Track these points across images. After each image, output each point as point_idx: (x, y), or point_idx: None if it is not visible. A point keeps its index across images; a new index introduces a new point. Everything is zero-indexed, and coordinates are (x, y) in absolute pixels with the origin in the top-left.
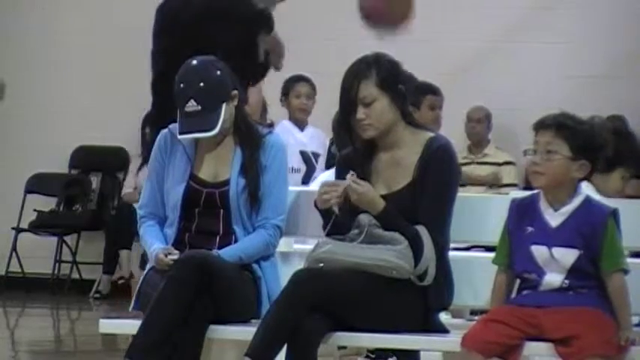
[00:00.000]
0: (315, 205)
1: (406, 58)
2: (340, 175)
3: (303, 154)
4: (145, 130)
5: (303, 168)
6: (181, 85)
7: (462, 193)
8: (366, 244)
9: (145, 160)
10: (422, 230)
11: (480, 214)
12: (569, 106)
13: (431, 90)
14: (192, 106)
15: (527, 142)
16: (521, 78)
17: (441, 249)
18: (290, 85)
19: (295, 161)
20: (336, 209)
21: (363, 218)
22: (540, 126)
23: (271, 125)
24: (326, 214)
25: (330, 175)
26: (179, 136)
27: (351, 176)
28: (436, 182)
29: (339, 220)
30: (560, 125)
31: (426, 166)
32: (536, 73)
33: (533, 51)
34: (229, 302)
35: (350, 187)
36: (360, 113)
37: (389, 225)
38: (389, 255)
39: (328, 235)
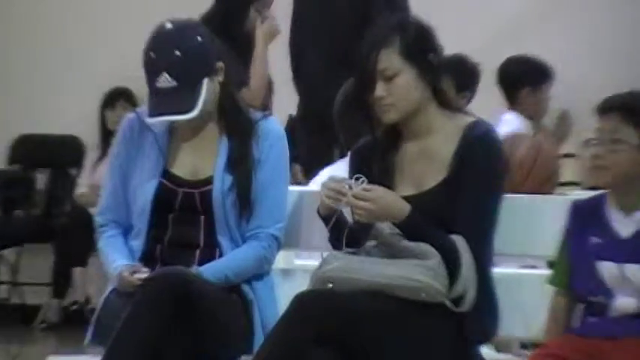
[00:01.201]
0: (318, 213)
1: None
2: (354, 172)
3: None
4: (105, 112)
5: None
6: (152, 55)
7: (510, 194)
8: (387, 259)
9: (106, 152)
10: (459, 242)
11: (532, 220)
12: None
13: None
14: (165, 81)
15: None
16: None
17: (484, 265)
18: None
19: None
20: (348, 217)
21: (383, 225)
22: (603, 109)
23: (266, 108)
24: (333, 223)
25: (333, 170)
26: (148, 120)
27: (355, 183)
28: (478, 180)
29: (351, 229)
30: (628, 108)
31: (465, 160)
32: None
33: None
34: (213, 333)
35: (353, 198)
36: (380, 90)
37: (416, 235)
38: (416, 272)
39: (337, 248)
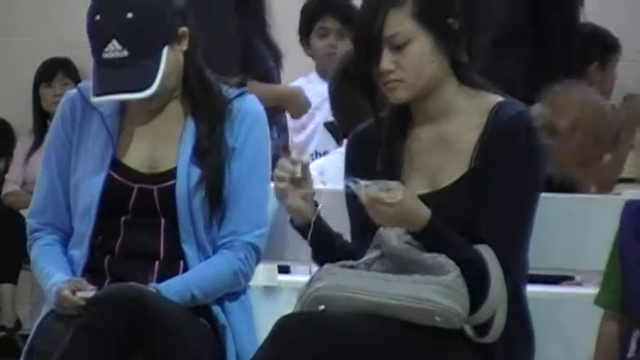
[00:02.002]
0: (291, 222)
1: None
2: (352, 165)
3: (330, 127)
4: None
5: (333, 150)
6: (97, 18)
7: (547, 194)
8: (393, 274)
9: (41, 139)
10: (486, 253)
11: (576, 225)
12: None
13: None
14: (114, 50)
15: None
16: None
17: (515, 283)
18: (310, 19)
19: (319, 139)
20: (315, 208)
21: (389, 232)
22: None
23: (242, 84)
24: (313, 232)
25: (328, 162)
26: (93, 99)
27: (365, 186)
28: (508, 174)
29: (335, 237)
30: None
31: (492, 149)
32: None
33: None
34: None
35: (370, 200)
36: (387, 61)
37: (434, 246)
38: (429, 290)
39: (321, 262)
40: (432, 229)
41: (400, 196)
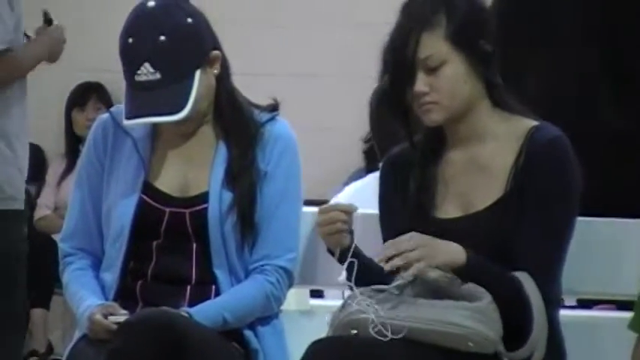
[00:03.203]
0: (329, 250)
1: None
2: (386, 188)
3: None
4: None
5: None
6: (130, 40)
7: (583, 218)
8: (425, 299)
9: (73, 163)
10: (526, 281)
11: (611, 249)
12: None
13: None
14: (147, 72)
15: None
16: None
17: (551, 308)
18: None
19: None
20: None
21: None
22: None
23: (275, 108)
24: (341, 256)
25: (363, 187)
26: (125, 122)
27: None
28: (544, 198)
29: (369, 263)
30: None
31: (527, 173)
32: None
33: None
34: None
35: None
36: (421, 84)
37: (473, 281)
38: (462, 316)
39: (357, 284)
40: (468, 270)
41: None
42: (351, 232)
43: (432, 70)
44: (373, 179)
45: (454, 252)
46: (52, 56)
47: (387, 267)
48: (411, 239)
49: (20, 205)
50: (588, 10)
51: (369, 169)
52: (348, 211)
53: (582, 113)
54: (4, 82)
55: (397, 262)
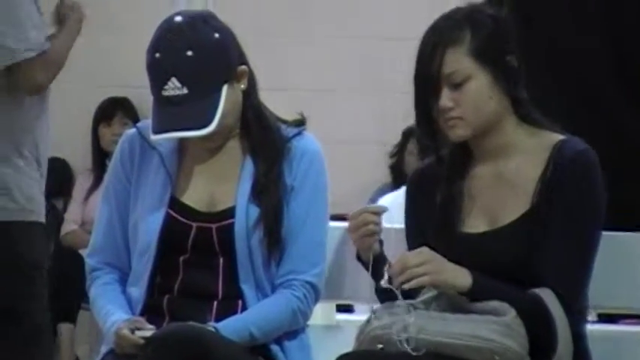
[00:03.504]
0: (358, 258)
1: None
2: (413, 202)
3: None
4: (99, 128)
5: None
6: (157, 56)
7: (609, 232)
8: (451, 314)
9: (100, 178)
10: (548, 297)
11: (634, 263)
12: None
13: None
14: (174, 87)
15: None
16: None
17: (577, 323)
18: None
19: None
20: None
21: None
22: None
23: (302, 123)
24: (375, 265)
25: (395, 198)
26: (152, 137)
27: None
28: (570, 213)
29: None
30: None
31: (554, 187)
32: None
33: None
34: None
35: (398, 267)
36: (446, 99)
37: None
38: (489, 330)
39: (384, 299)
40: (475, 291)
41: (425, 268)
42: (380, 242)
43: (456, 86)
44: (402, 193)
45: (460, 274)
46: (76, 36)
47: (395, 284)
48: (419, 254)
49: (36, 217)
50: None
51: (395, 184)
52: (378, 211)
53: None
54: (48, 81)
55: (401, 278)
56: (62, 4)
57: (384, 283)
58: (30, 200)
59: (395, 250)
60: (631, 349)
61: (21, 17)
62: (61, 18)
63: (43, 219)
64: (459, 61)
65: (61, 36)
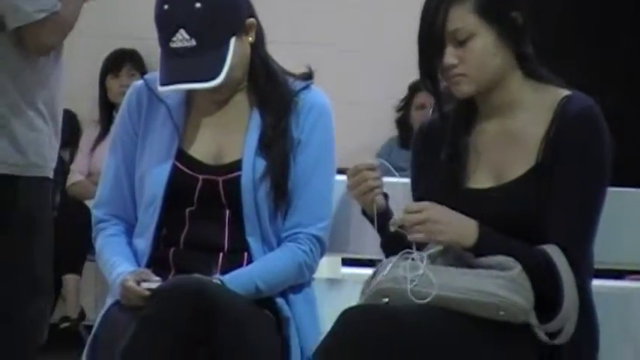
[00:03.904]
0: (363, 213)
1: None
2: (419, 159)
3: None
4: (107, 80)
5: None
6: (165, 7)
7: (614, 188)
8: (456, 268)
9: (107, 130)
10: (554, 253)
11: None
12: None
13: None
14: (182, 39)
15: None
16: None
17: (582, 278)
18: None
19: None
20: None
21: None
22: None
23: (309, 76)
24: (382, 222)
25: None
26: (160, 89)
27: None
28: (576, 169)
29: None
30: None
31: (559, 143)
32: None
33: None
34: (240, 357)
35: (405, 219)
36: (450, 56)
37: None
38: (494, 285)
39: (389, 252)
40: (482, 246)
41: (432, 214)
42: (385, 196)
43: (460, 43)
44: None
45: (465, 232)
46: None
47: (391, 229)
48: (422, 211)
49: (44, 173)
50: None
51: (401, 138)
52: (373, 167)
53: None
54: (58, 43)
55: (403, 230)
56: None
57: (392, 226)
58: (40, 156)
59: (402, 204)
60: (636, 304)
61: None
62: None
63: (51, 174)
64: (463, 18)
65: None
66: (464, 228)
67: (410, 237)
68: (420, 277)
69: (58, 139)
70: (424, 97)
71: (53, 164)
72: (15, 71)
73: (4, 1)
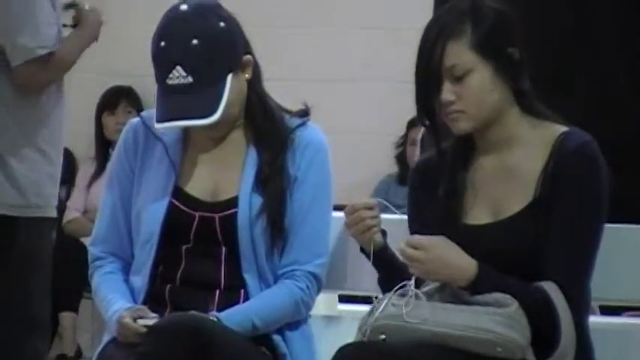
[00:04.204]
0: (362, 249)
1: None
2: (416, 195)
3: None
4: (103, 117)
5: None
6: (162, 44)
7: (612, 224)
8: (454, 304)
9: (103, 167)
10: (552, 290)
11: (638, 254)
12: None
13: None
14: (178, 76)
15: None
16: None
17: (579, 316)
18: None
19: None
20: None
21: None
22: None
23: (306, 113)
24: (379, 259)
25: None
26: (157, 125)
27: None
28: (574, 205)
29: (401, 266)
30: None
31: (557, 179)
32: None
33: None
34: None
35: (404, 252)
36: (448, 93)
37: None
38: (491, 321)
39: (386, 288)
40: (480, 283)
41: (435, 252)
42: (383, 233)
43: (458, 79)
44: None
45: (463, 272)
46: (92, 40)
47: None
48: (421, 248)
49: (46, 213)
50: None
51: (401, 174)
52: (371, 206)
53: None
54: (51, 81)
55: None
56: (79, 8)
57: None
58: (40, 196)
59: (400, 241)
60: (634, 342)
61: (36, 14)
62: (77, 20)
63: (52, 213)
64: (460, 54)
65: (74, 37)
66: (462, 269)
67: (410, 270)
68: (416, 312)
69: (58, 177)
70: (416, 133)
71: (55, 202)
72: (14, 109)
73: (5, 36)
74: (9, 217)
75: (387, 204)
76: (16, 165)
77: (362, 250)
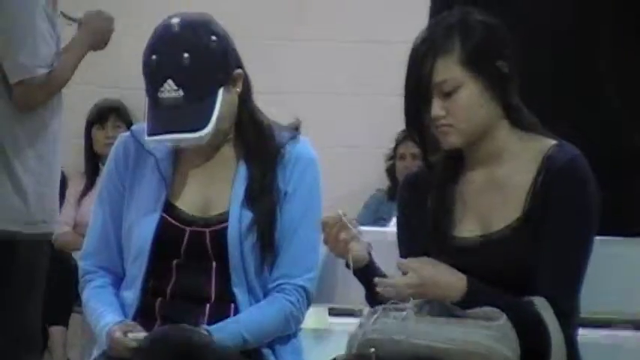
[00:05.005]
0: (347, 265)
1: None
2: (406, 209)
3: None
4: (92, 132)
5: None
6: (154, 58)
7: (601, 237)
8: (443, 317)
9: (93, 182)
10: (542, 305)
11: (631, 268)
12: None
13: None
14: (169, 90)
15: None
16: None
17: (569, 331)
18: None
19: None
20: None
21: None
22: None
23: (296, 127)
24: (365, 274)
25: None
26: (147, 139)
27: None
28: (563, 219)
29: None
30: None
31: (546, 193)
32: None
33: None
34: None
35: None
36: (437, 108)
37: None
38: (480, 335)
39: (374, 304)
40: (469, 299)
41: (426, 273)
42: (370, 247)
43: (447, 95)
44: None
45: (452, 290)
46: (97, 46)
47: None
48: (410, 271)
49: (49, 229)
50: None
51: (391, 187)
52: (333, 222)
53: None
54: (45, 100)
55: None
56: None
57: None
58: (44, 211)
59: (387, 254)
60: (623, 355)
61: (35, 33)
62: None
63: (54, 229)
64: (449, 70)
65: (69, 56)
66: (452, 286)
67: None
68: (406, 326)
69: (57, 191)
70: (404, 148)
71: (57, 217)
72: (10, 124)
73: (5, 53)
74: (12, 232)
75: (343, 215)
76: (22, 175)
77: (347, 265)
